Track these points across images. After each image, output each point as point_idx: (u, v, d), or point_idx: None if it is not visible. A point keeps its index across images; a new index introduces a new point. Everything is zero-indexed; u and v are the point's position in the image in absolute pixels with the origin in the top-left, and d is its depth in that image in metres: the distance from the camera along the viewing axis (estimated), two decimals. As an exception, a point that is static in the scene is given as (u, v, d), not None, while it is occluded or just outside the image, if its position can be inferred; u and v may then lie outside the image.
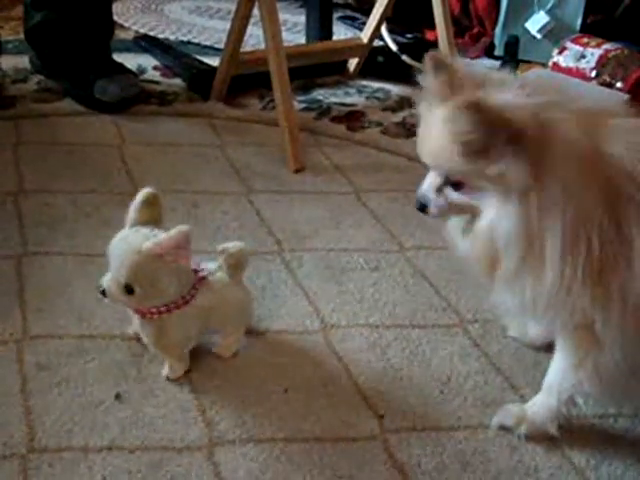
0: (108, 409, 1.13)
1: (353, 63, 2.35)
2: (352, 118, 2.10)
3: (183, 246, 1.11)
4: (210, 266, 1.23)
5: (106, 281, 1.15)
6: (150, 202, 1.16)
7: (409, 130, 2.05)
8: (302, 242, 1.55)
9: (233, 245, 1.23)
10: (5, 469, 1.02)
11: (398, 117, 2.13)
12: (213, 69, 2.13)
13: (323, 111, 2.13)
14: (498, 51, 2.60)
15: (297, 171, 1.80)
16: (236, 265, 1.23)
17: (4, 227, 1.49)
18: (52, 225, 1.50)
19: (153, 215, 1.16)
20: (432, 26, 2.13)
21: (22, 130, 1.87)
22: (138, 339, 1.22)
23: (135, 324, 1.21)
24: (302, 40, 2.52)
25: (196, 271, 1.20)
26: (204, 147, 1.88)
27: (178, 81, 2.20)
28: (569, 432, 1.18)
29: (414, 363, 1.28)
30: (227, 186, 1.73)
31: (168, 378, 1.19)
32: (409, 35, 2.56)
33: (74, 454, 1.05)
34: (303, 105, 2.14)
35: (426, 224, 1.65)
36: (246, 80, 2.13)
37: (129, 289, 1.12)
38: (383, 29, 2.39)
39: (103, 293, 1.14)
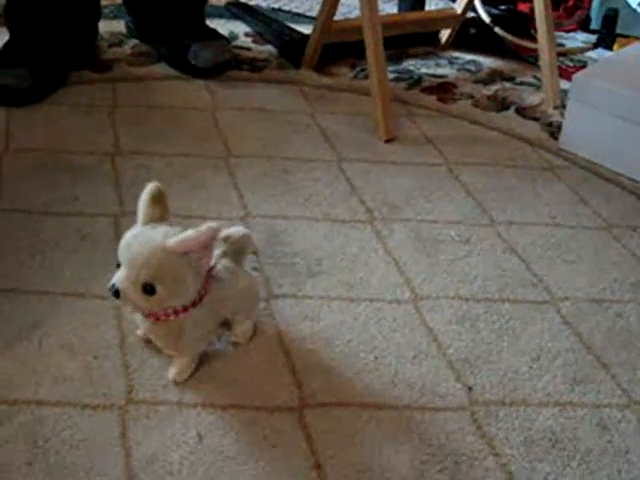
0: (200, 368, 1.15)
1: (445, 34, 2.32)
2: (443, 89, 2.08)
3: (210, 245, 1.03)
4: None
5: (120, 281, 1.03)
6: (159, 197, 1.07)
7: (501, 103, 2.02)
8: (393, 212, 1.55)
9: (237, 230, 1.18)
10: (106, 418, 1.06)
11: (490, 90, 2.10)
12: (305, 37, 2.13)
13: (414, 82, 2.11)
14: (594, 24, 2.52)
15: (388, 141, 1.79)
16: (241, 250, 1.18)
17: (102, 187, 1.53)
18: (148, 186, 1.53)
19: (162, 211, 1.08)
20: (528, -2, 2.09)
21: (118, 93, 1.90)
22: (148, 341, 1.17)
23: (145, 327, 1.13)
24: (394, 10, 2.49)
25: None
26: (295, 114, 1.89)
27: (269, 48, 2.21)
28: (662, 415, 1.16)
29: (504, 338, 1.27)
30: (318, 153, 1.73)
31: (175, 381, 1.12)
32: (502, 7, 2.51)
33: (170, 408, 1.08)
34: (394, 75, 2.12)
35: (518, 199, 1.63)
36: (337, 49, 2.13)
37: (149, 289, 1.03)
38: (476, 0, 2.35)
39: (116, 294, 1.03)
